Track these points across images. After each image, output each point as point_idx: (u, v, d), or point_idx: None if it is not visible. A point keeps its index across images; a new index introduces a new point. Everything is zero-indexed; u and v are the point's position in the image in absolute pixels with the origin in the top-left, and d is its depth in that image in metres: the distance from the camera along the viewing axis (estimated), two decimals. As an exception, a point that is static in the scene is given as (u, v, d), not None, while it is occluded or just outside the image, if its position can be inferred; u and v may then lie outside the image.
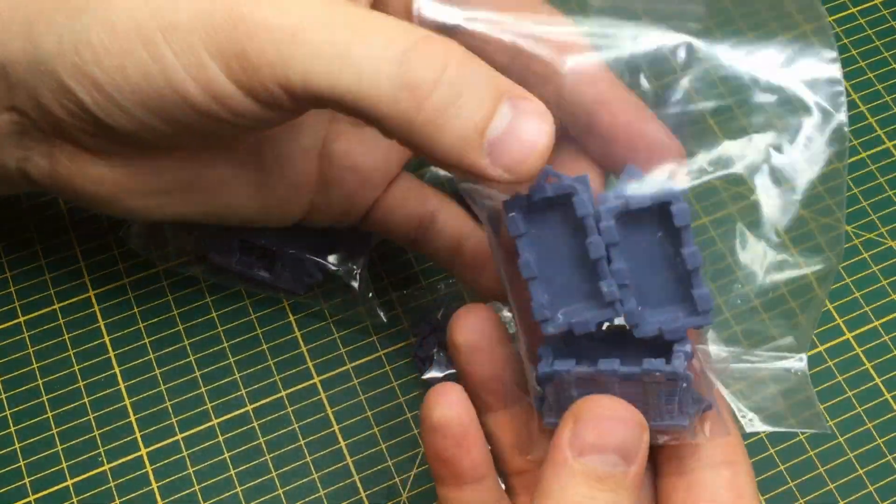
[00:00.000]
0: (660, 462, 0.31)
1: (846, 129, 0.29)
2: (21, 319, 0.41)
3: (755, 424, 0.30)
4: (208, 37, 0.27)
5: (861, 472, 0.40)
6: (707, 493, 0.30)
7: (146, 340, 0.41)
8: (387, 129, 0.27)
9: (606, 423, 0.27)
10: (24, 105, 0.31)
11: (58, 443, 0.39)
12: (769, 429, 0.30)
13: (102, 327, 0.41)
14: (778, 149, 0.29)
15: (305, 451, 0.39)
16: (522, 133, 0.27)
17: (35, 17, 0.29)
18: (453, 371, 0.40)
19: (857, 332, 0.43)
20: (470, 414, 0.30)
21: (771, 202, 0.30)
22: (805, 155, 0.29)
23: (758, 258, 0.30)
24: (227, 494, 0.38)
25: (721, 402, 0.30)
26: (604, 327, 0.29)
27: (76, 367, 0.41)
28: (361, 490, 0.39)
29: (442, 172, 0.42)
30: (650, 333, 0.28)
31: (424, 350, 0.40)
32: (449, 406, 0.30)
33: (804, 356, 0.30)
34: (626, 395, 0.28)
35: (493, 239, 0.31)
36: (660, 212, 0.28)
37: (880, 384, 0.41)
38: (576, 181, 0.28)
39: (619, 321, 0.29)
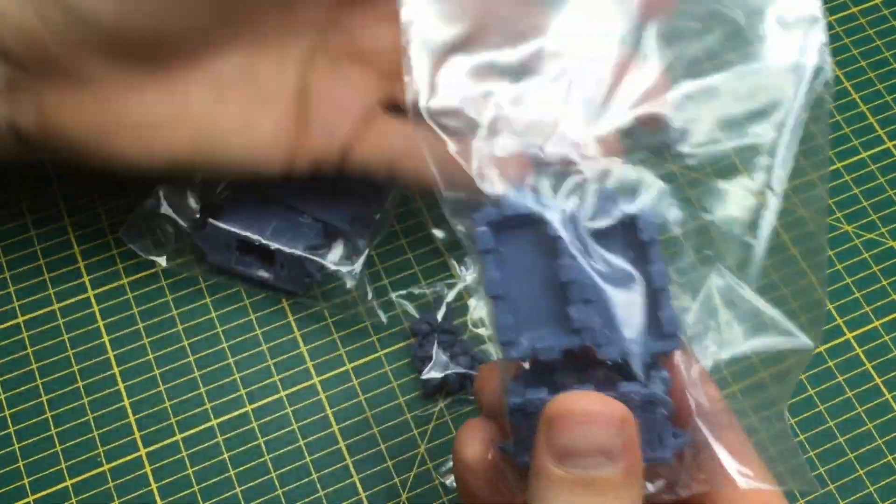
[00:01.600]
0: None
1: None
2: (21, 319, 0.41)
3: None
4: None
5: (861, 472, 0.40)
6: None
7: (146, 340, 0.41)
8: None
9: (579, 422, 0.24)
10: (9, 43, 0.31)
11: (57, 443, 0.39)
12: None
13: (102, 327, 0.41)
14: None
15: (305, 451, 0.39)
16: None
17: None
18: (453, 372, 0.40)
19: (857, 332, 0.42)
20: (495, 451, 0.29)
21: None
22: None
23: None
24: (226, 494, 0.38)
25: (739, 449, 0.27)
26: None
27: (76, 367, 0.41)
28: (361, 490, 0.39)
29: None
30: (613, 356, 0.26)
31: (424, 350, 0.40)
32: (475, 444, 0.29)
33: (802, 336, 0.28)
34: None
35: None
36: (629, 228, 0.26)
37: (880, 384, 0.41)
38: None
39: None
